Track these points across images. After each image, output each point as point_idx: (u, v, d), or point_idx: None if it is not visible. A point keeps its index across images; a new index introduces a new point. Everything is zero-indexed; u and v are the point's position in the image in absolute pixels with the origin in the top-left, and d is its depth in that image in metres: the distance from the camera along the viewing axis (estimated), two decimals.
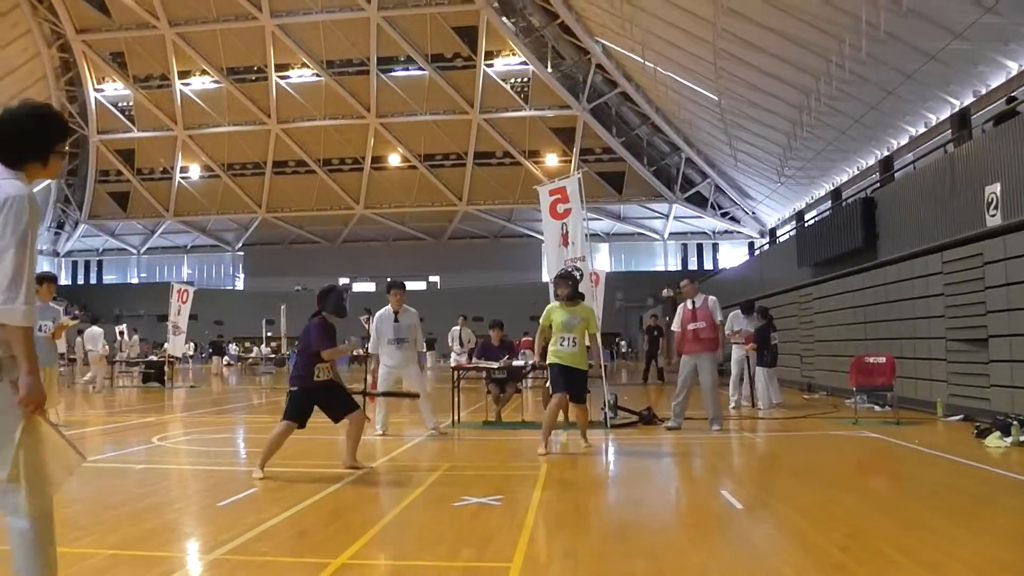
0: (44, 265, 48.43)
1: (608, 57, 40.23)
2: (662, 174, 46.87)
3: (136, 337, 25.47)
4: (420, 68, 44.57)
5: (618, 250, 52.95)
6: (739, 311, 13.69)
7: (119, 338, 24.41)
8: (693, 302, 10.32)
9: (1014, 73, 16.51)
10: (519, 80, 45.07)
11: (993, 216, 10.16)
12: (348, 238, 53.10)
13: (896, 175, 17.90)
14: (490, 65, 44.31)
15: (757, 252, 36.77)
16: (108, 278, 56.88)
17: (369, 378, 9.79)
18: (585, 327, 8.33)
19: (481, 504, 5.51)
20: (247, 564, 4.09)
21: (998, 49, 16.39)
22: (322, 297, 7.11)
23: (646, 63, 30.76)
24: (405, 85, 45.54)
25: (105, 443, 9.39)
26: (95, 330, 19.76)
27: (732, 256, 47.18)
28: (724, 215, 47.79)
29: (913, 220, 13.15)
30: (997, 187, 10.12)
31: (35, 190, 2.85)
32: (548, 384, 8.76)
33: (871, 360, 11.22)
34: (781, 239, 28.83)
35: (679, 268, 50.27)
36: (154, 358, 23.22)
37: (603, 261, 49.58)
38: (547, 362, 8.43)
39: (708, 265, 48.84)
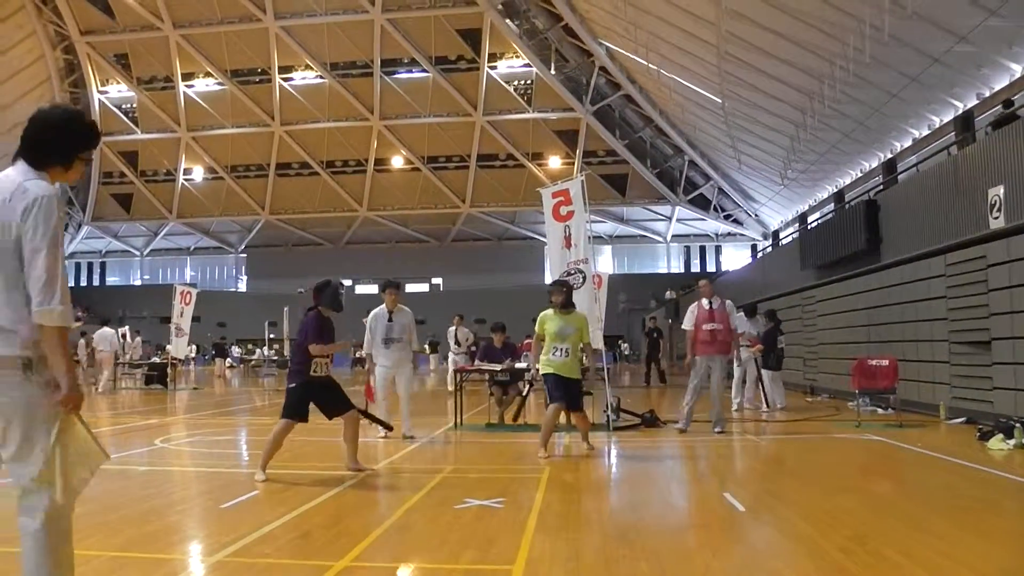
0: None
1: (612, 59, 40.22)
2: (665, 176, 46.85)
3: (139, 339, 25.52)
4: (424, 70, 44.60)
5: (621, 252, 52.93)
6: (742, 313, 13.67)
7: (120, 340, 24.44)
8: (710, 302, 10.16)
9: (1017, 75, 16.49)
10: (522, 82, 45.08)
11: (996, 219, 10.14)
12: (351, 240, 53.14)
13: (899, 177, 17.90)
14: (493, 67, 44.32)
15: (760, 255, 36.76)
16: (111, 280, 56.97)
17: (371, 379, 9.77)
18: (579, 337, 8.25)
19: (483, 506, 5.52)
20: (250, 566, 4.10)
21: (1002, 52, 16.38)
22: (318, 292, 7.12)
23: (650, 65, 30.75)
24: (408, 87, 45.58)
25: (108, 445, 9.39)
26: (106, 331, 19.79)
27: (735, 259, 47.15)
28: (727, 217, 47.75)
29: (916, 223, 13.13)
30: (1000, 189, 10.11)
31: None
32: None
33: (874, 363, 11.20)
34: (784, 241, 28.82)
35: (682, 270, 50.25)
36: (157, 360, 23.25)
37: (606, 263, 49.57)
38: (541, 372, 8.40)
39: (711, 267, 48.77)
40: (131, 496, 6.01)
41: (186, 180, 51.21)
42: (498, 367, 11.11)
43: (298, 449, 8.43)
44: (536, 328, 8.42)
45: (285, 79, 46.23)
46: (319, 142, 48.55)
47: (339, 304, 7.11)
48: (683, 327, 10.57)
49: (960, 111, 18.17)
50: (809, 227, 22.39)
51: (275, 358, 36.33)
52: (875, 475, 7.45)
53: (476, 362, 12.54)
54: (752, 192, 41.85)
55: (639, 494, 6.40)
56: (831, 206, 24.93)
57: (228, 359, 35.00)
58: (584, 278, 10.77)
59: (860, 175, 25.96)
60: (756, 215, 45.67)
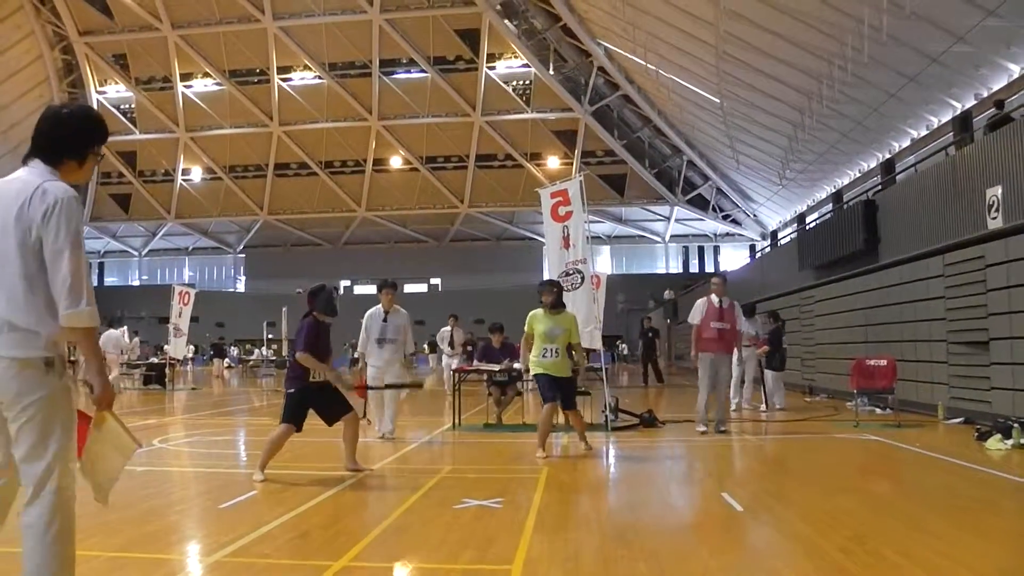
0: None
1: (610, 60, 40.21)
2: (664, 177, 46.84)
3: (137, 339, 25.49)
4: (422, 70, 44.57)
5: (619, 252, 52.93)
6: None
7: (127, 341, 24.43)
8: (721, 301, 10.14)
9: (1015, 76, 16.51)
10: (521, 83, 45.05)
11: (994, 219, 10.16)
12: (350, 240, 53.11)
13: (897, 178, 17.91)
14: (492, 67, 44.29)
15: (758, 255, 36.79)
16: (109, 280, 56.90)
17: (360, 375, 9.74)
18: (567, 337, 8.25)
19: (482, 506, 5.52)
20: (249, 566, 4.10)
21: (1000, 52, 16.40)
22: (312, 296, 7.11)
23: (648, 66, 30.76)
24: (407, 87, 45.56)
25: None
26: (112, 332, 19.80)
27: (733, 259, 47.14)
28: (725, 218, 47.75)
29: (914, 223, 13.14)
30: (998, 190, 10.12)
31: None
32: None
33: (872, 363, 11.21)
34: (782, 242, 28.84)
35: (680, 271, 50.25)
36: (155, 360, 23.23)
37: (604, 263, 49.54)
38: (532, 373, 8.40)
39: (709, 268, 48.75)
40: (130, 496, 6.00)
41: (184, 180, 51.16)
42: (496, 367, 11.12)
43: (297, 449, 8.42)
44: (525, 328, 8.41)
45: (283, 79, 46.18)
46: (317, 142, 48.51)
47: (333, 309, 7.11)
48: (689, 320, 10.42)
49: (958, 111, 18.20)
50: (807, 227, 22.40)
51: (273, 358, 36.30)
52: (874, 475, 7.46)
53: (475, 362, 12.55)
54: (750, 192, 41.87)
55: (637, 494, 6.41)
56: (829, 206, 24.95)
57: (226, 359, 34.96)
58: (582, 278, 10.77)
59: (858, 175, 25.98)
60: (754, 215, 45.69)
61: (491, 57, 43.90)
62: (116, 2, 42.92)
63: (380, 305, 9.61)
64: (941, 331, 11.16)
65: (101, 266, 56.94)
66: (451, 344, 18.14)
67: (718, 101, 27.82)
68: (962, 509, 5.46)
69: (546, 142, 46.96)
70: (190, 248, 56.12)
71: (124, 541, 4.59)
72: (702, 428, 9.85)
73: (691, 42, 25.93)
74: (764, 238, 44.06)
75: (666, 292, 40.21)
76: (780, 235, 33.44)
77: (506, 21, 42.15)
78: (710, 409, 9.95)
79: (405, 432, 10.26)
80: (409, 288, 46.90)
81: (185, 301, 21.80)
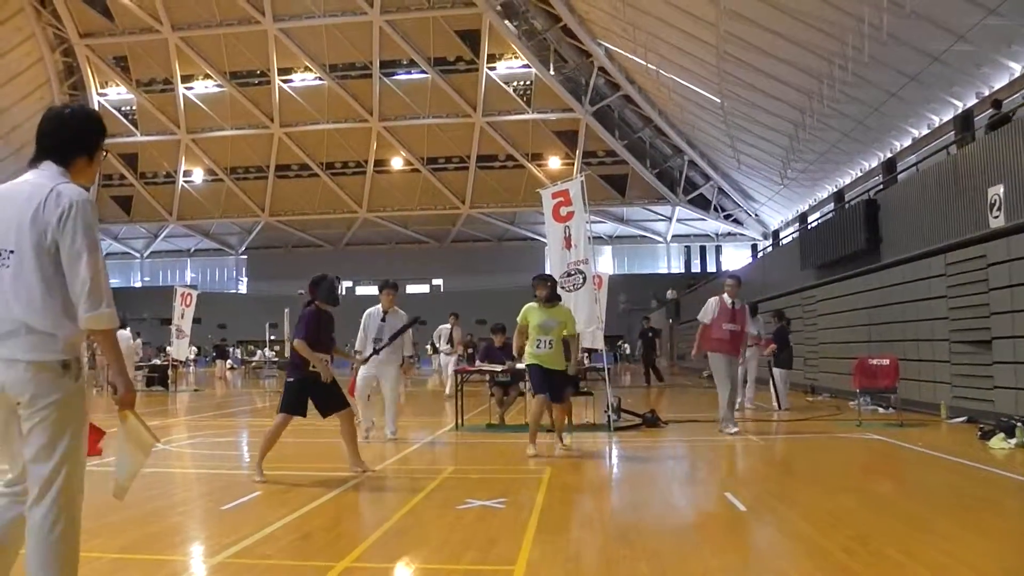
0: None
1: (611, 60, 40.20)
2: (665, 177, 46.82)
3: (139, 341, 25.50)
4: (422, 71, 44.57)
5: (621, 253, 52.91)
6: None
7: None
8: (734, 302, 10.12)
9: (1017, 74, 16.49)
10: (522, 83, 45.05)
11: (996, 218, 10.14)
12: (351, 241, 53.13)
13: (899, 177, 17.88)
14: (492, 68, 44.29)
15: (760, 254, 36.74)
16: (111, 282, 55.50)
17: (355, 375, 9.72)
18: (562, 329, 8.27)
19: (485, 507, 5.52)
20: (252, 567, 4.10)
21: (1001, 51, 16.38)
22: (314, 286, 7.12)
23: (649, 66, 30.76)
24: (408, 88, 45.56)
25: (109, 447, 9.39)
26: (122, 333, 19.77)
27: (735, 258, 47.10)
28: (727, 217, 47.72)
29: (916, 222, 13.13)
30: (1000, 189, 10.11)
31: None
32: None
33: (875, 362, 11.20)
34: (784, 241, 28.80)
35: (682, 271, 50.19)
36: (157, 362, 23.25)
37: (606, 264, 49.53)
38: (525, 363, 8.42)
39: (711, 267, 48.72)
40: (133, 498, 5.97)
41: (186, 182, 51.19)
42: (499, 368, 11.11)
43: (300, 450, 8.44)
44: (519, 319, 8.44)
45: (284, 81, 46.20)
46: (318, 143, 48.53)
47: (335, 298, 7.13)
48: (699, 318, 10.38)
49: (960, 110, 18.17)
50: (809, 227, 22.37)
51: (276, 359, 36.31)
52: (876, 474, 7.45)
53: (477, 363, 12.55)
54: (752, 192, 41.84)
55: (640, 494, 6.40)
56: (831, 206, 24.90)
57: (229, 360, 34.99)
58: (584, 279, 10.76)
59: (860, 174, 25.95)
60: (756, 215, 45.66)
61: (492, 58, 43.90)
62: (117, 4, 42.96)
63: (380, 305, 9.61)
64: (943, 330, 11.15)
65: None
66: (450, 342, 18.06)
67: (719, 101, 27.80)
68: (965, 508, 5.46)
69: (547, 142, 46.95)
70: (192, 250, 56.17)
71: (127, 542, 4.60)
72: (734, 429, 9.65)
73: (692, 42, 25.93)
74: (766, 238, 44.01)
75: (669, 292, 40.19)
76: (782, 235, 33.39)
77: (506, 22, 42.15)
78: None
79: (407, 433, 10.26)
80: (411, 289, 46.91)
81: (187, 303, 21.82)
